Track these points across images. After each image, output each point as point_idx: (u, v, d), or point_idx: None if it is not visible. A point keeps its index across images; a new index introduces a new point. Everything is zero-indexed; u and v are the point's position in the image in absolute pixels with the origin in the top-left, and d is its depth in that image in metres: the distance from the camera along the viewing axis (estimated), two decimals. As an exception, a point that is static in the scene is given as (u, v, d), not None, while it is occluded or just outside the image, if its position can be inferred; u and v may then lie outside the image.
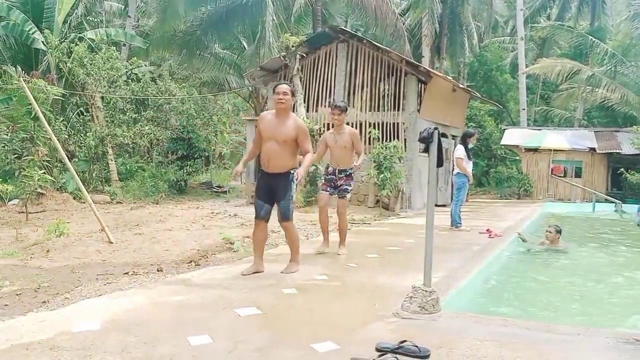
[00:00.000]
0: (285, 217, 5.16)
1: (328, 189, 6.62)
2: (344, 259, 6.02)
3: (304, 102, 14.45)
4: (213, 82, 23.41)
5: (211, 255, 6.57)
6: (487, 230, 8.84)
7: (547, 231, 7.98)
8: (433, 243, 4.03)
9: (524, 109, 26.52)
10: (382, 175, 12.16)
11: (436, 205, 15.60)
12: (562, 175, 21.78)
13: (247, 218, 10.25)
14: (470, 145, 9.31)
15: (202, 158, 23.40)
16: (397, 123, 14.01)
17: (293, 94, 5.19)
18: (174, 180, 17.13)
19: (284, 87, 5.13)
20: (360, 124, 13.95)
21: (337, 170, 6.61)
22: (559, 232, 7.85)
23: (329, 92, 14.78)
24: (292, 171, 5.14)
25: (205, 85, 23.92)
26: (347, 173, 6.63)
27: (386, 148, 12.73)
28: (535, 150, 21.94)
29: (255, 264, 5.31)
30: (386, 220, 11.32)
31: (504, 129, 24.46)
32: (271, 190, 5.15)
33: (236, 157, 31.40)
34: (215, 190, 19.87)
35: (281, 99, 5.09)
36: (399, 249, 7.03)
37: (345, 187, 6.57)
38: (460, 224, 9.29)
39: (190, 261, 6.17)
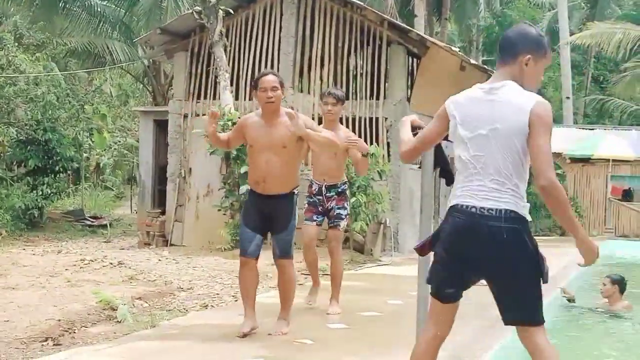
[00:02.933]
0: (284, 252, 5.85)
1: (315, 216, 7.05)
2: (294, 333, 6.01)
3: (231, 85, 14.46)
4: (86, 52, 23.13)
5: (81, 328, 6.45)
6: (515, 284, 8.99)
7: (602, 283, 8.19)
8: (430, 306, 4.06)
9: (568, 98, 27.29)
10: (353, 200, 12.21)
11: (437, 246, 15.75)
12: (626, 198, 22.45)
13: (139, 268, 10.11)
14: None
15: (69, 172, 22.99)
16: (377, 118, 14.17)
17: (282, 85, 5.86)
18: (22, 208, 16.76)
19: (270, 79, 5.76)
20: (319, 119, 14.00)
21: (324, 187, 7.04)
22: (616, 282, 8.05)
23: (270, 69, 14.83)
24: (294, 191, 5.90)
25: (75, 57, 23.60)
26: (339, 189, 7.08)
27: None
28: (586, 160, 22.57)
29: (248, 317, 5.89)
30: (360, 270, 11.32)
31: (540, 129, 25.05)
32: (266, 217, 5.84)
33: (123, 171, 31.15)
34: (89, 223, 19.54)
35: (270, 98, 5.69)
36: (378, 315, 7.07)
37: (339, 211, 7.05)
38: (474, 274, 9.41)
39: (46, 339, 6.03)
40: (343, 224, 7.15)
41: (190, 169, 15.05)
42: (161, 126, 16.46)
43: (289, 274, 5.94)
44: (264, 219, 5.86)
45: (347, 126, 13.76)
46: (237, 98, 14.72)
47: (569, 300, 8.34)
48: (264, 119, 5.80)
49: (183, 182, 15.17)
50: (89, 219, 20.07)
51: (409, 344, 4.60)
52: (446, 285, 3.58)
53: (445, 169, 4.15)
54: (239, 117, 12.91)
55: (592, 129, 24.76)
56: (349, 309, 7.29)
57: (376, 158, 12.73)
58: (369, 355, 5.41)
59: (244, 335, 5.75)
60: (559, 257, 13.91)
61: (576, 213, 21.96)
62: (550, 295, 8.52)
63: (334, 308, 7.07)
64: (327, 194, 7.07)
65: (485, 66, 19.75)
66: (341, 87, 14.62)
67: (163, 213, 15.66)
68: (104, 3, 23.07)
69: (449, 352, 5.34)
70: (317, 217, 7.10)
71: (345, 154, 7.07)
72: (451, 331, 6.12)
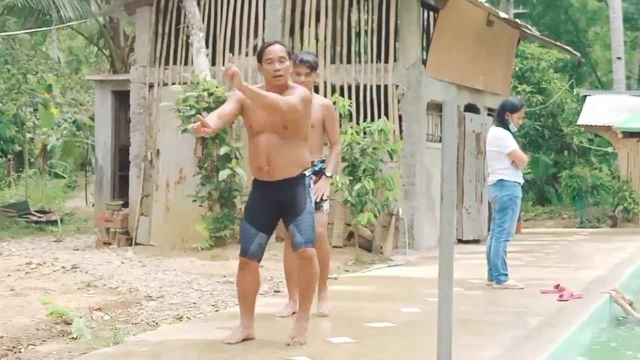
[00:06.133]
0: (309, 238, 6.06)
1: None
2: (287, 349, 6.03)
3: (207, 46, 14.43)
4: (28, 8, 22.98)
5: (28, 346, 6.44)
6: (557, 287, 9.02)
7: None
8: (454, 314, 4.07)
9: (619, 59, 27.25)
10: (358, 187, 12.22)
11: (461, 242, 15.80)
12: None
13: (97, 273, 10.10)
14: (513, 128, 9.49)
15: (9, 157, 22.96)
16: (385, 85, 14.15)
17: (290, 56, 6.21)
18: (-48, 202, 16.76)
19: (277, 48, 6.12)
20: (316, 87, 13.98)
21: None
22: None
23: (254, 28, 14.80)
24: (307, 172, 6.27)
25: (13, 14, 23.48)
26: (317, 168, 7.34)
27: (365, 133, 12.79)
28: (642, 134, 22.53)
29: (244, 326, 6.22)
30: (367, 272, 11.32)
31: (585, 96, 25.06)
32: (277, 209, 6.13)
33: (75, 154, 31.09)
34: (35, 219, 19.53)
35: (278, 70, 6.03)
36: (390, 327, 7.07)
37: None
38: (507, 275, 9.44)
39: (-14, 360, 6.04)
40: (326, 205, 7.42)
41: (158, 150, 15.03)
42: (121, 98, 16.41)
43: (315, 266, 6.13)
44: (274, 213, 6.13)
45: (350, 96, 13.79)
46: (213, 63, 14.66)
47: (630, 313, 8.41)
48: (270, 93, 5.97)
49: (149, 166, 15.15)
50: (35, 213, 20.05)
51: (426, 358, 4.61)
52: None
53: None
54: (217, 87, 12.95)
55: (650, 96, 24.70)
56: (355, 319, 7.30)
57: (385, 135, 12.71)
58: (380, 375, 5.42)
59: (232, 343, 6.03)
60: (611, 254, 13.94)
61: (630, 199, 21.99)
62: (597, 303, 8.54)
63: (324, 305, 7.42)
64: None
65: (517, 20, 19.71)
66: (341, 47, 14.61)
67: (126, 205, 15.64)
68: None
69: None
70: None
71: (323, 130, 7.38)
72: (475, 345, 6.15)
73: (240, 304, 6.29)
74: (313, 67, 7.31)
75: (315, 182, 7.25)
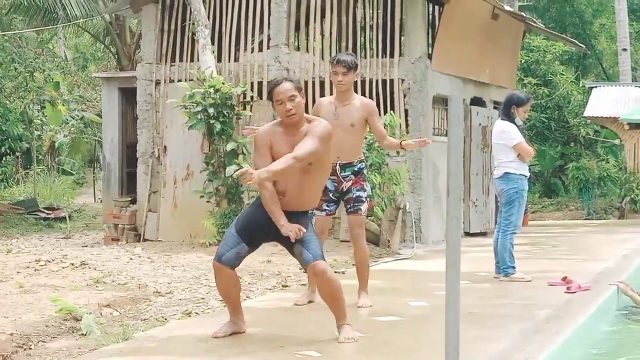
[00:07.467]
0: (317, 254, 5.94)
1: (325, 205, 7.44)
2: (297, 345, 6.04)
3: (212, 43, 14.43)
4: (34, 6, 23.05)
5: (38, 343, 6.48)
6: (564, 279, 9.01)
7: None
8: (461, 307, 4.07)
9: (625, 50, 27.21)
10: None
11: (468, 234, 15.80)
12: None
13: (106, 269, 10.14)
14: (519, 121, 9.49)
15: (17, 154, 23.00)
16: (391, 80, 14.14)
17: (300, 89, 6.08)
18: (-39, 200, 16.81)
19: (285, 87, 6.01)
20: (322, 82, 14.02)
21: (338, 166, 7.38)
22: None
23: (260, 24, 14.79)
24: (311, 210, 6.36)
25: (20, 12, 23.53)
26: (357, 168, 7.50)
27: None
28: (648, 126, 22.50)
29: (232, 321, 6.32)
30: (375, 266, 11.34)
31: (591, 88, 25.01)
32: (277, 231, 6.00)
33: (83, 151, 31.16)
34: (44, 216, 19.57)
35: (290, 110, 5.96)
36: (398, 320, 7.09)
37: (358, 193, 7.49)
38: (514, 268, 9.44)
39: (-4, 357, 6.06)
40: (364, 207, 7.52)
41: (165, 147, 15.05)
42: (128, 95, 16.43)
43: (331, 279, 6.06)
44: (269, 233, 6.11)
45: (356, 91, 13.75)
46: (219, 60, 14.66)
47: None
48: (285, 131, 6.06)
49: (157, 163, 15.17)
50: (44, 210, 20.09)
51: (436, 353, 4.61)
52: None
53: None
54: (223, 83, 12.96)
55: (656, 88, 24.68)
56: (363, 313, 7.31)
57: (392, 129, 12.72)
58: (388, 368, 5.42)
59: (219, 337, 6.17)
60: (619, 245, 13.93)
61: (637, 190, 21.93)
62: (606, 295, 8.53)
63: (363, 300, 7.52)
64: (342, 174, 7.41)
65: (522, 14, 19.68)
66: (347, 42, 14.60)
67: (133, 201, 15.67)
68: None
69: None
70: (328, 206, 7.50)
71: (364, 126, 7.49)
72: (482, 338, 6.15)
73: (226, 303, 6.43)
74: (350, 67, 7.33)
75: (353, 182, 7.44)
